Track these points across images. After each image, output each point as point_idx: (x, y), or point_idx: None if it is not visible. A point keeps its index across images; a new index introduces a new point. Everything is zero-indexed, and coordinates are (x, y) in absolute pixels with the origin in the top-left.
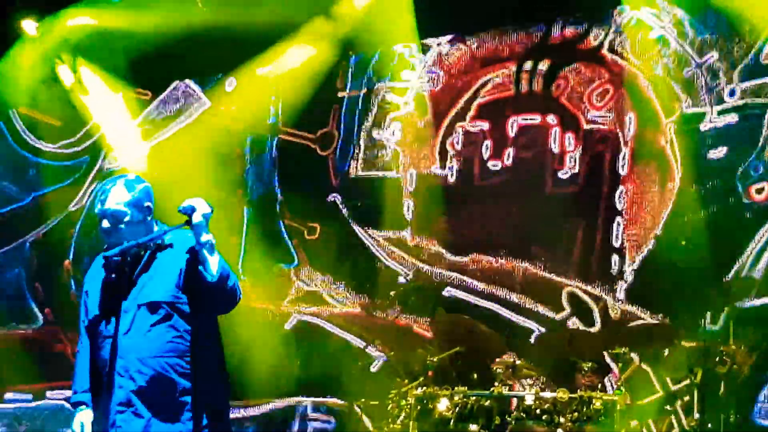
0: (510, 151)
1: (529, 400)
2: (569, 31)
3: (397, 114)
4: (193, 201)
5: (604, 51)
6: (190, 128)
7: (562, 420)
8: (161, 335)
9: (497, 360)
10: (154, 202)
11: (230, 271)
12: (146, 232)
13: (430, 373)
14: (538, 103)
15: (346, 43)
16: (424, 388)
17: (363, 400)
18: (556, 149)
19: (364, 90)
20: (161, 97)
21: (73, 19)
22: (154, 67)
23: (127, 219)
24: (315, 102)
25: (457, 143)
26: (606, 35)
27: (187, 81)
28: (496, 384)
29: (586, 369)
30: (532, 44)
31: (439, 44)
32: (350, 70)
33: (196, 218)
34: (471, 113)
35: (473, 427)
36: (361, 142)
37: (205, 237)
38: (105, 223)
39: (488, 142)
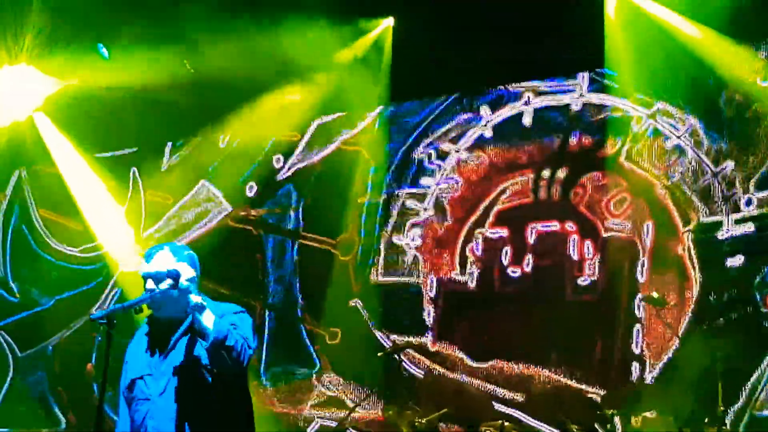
0: (529, 258)
1: None
2: (587, 139)
3: (416, 220)
4: (177, 265)
5: (622, 159)
6: (211, 232)
7: None
8: (195, 398)
9: (486, 423)
10: None
11: (230, 330)
12: (186, 300)
13: None
14: (556, 210)
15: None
16: None
17: None
18: (575, 256)
19: (384, 196)
20: (182, 201)
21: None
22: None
23: None
24: (335, 207)
25: (477, 249)
26: (623, 144)
27: (209, 185)
28: None
29: (575, 431)
30: (551, 152)
31: (458, 150)
32: (369, 175)
33: (182, 282)
34: (490, 220)
35: None
36: (382, 248)
37: (194, 299)
38: (150, 284)
39: (508, 249)
